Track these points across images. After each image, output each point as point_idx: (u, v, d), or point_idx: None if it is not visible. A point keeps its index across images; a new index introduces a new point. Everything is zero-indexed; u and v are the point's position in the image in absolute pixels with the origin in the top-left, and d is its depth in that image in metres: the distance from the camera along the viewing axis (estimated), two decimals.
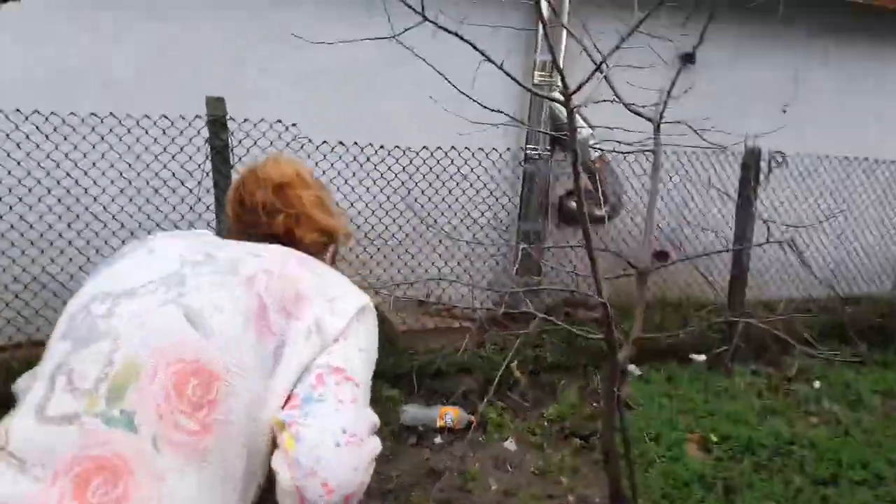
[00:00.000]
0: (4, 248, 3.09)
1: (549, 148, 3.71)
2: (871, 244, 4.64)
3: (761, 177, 3.54)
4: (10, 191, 3.03)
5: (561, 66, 2.20)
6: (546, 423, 3.17)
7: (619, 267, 3.59)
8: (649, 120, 2.49)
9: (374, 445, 0.88)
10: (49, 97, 2.98)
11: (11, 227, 3.08)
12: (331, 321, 0.92)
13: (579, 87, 2.12)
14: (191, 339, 0.83)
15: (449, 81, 2.25)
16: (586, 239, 2.34)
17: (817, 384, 3.68)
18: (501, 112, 2.45)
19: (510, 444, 3.01)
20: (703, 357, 3.71)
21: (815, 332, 3.53)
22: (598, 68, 2.19)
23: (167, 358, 0.81)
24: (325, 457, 0.78)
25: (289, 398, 0.85)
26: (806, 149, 3.85)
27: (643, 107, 2.48)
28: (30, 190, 3.04)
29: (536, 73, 3.62)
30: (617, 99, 2.44)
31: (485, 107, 2.35)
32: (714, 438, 3.04)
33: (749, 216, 3.56)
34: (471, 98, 2.31)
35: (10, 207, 3.04)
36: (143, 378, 0.80)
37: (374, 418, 0.92)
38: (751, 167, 3.49)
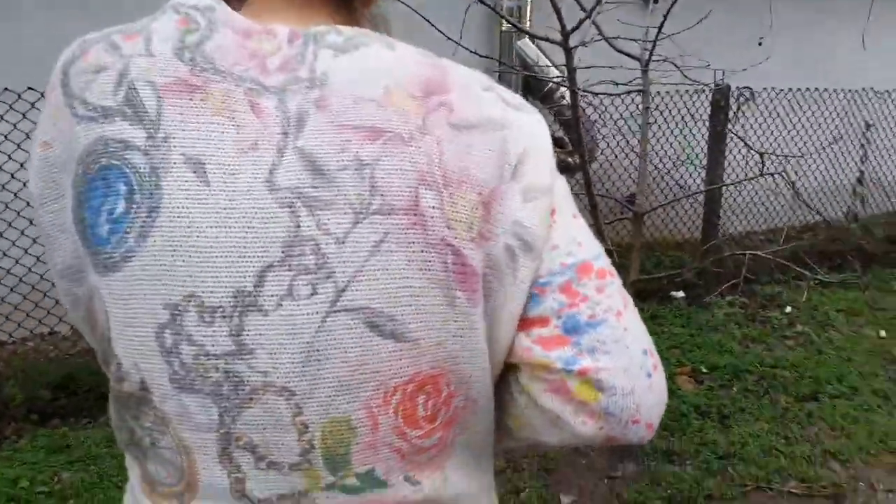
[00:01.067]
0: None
1: (521, 93, 3.66)
2: (825, 174, 4.83)
3: (730, 113, 3.60)
4: None
5: (530, 8, 2.18)
6: None
7: (612, 214, 3.63)
8: (637, 59, 2.48)
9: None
10: None
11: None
12: (531, 214, 0.57)
13: (578, 26, 2.09)
14: (396, 355, 0.57)
15: (433, 24, 2.17)
16: (587, 185, 2.34)
17: (788, 309, 3.85)
18: (489, 58, 2.40)
19: None
20: (682, 294, 3.82)
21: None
22: (592, 10, 2.16)
23: (379, 394, 0.57)
24: (645, 401, 0.60)
25: (528, 322, 0.60)
26: (773, 83, 3.93)
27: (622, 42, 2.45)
28: None
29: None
30: (603, 39, 2.42)
31: (474, 52, 2.29)
32: (703, 369, 3.16)
33: (719, 153, 3.63)
34: (461, 45, 2.25)
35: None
36: (361, 433, 0.58)
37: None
38: (720, 105, 3.55)
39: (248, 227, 0.53)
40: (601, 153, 3.86)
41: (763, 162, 2.23)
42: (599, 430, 0.60)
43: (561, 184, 0.61)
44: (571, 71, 2.13)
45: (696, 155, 3.25)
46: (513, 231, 0.57)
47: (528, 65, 3.79)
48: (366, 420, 0.57)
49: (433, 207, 0.55)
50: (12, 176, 2.80)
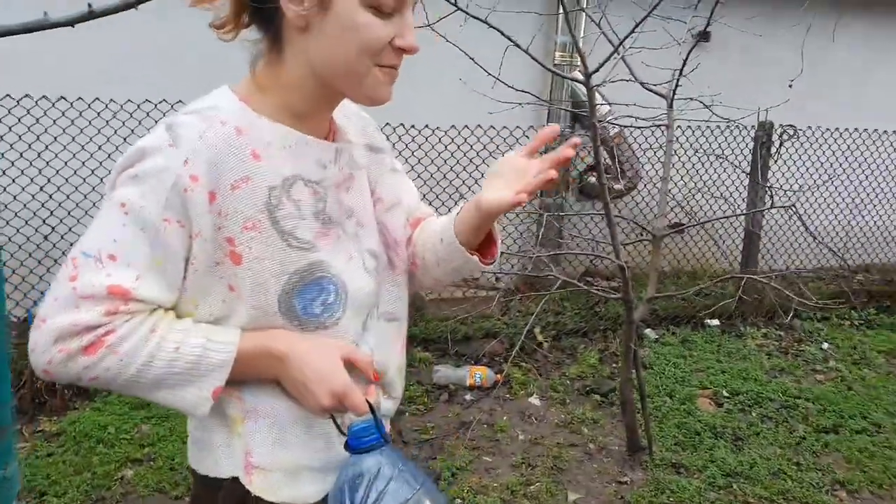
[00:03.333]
0: None
1: (569, 125, 3.92)
2: (883, 215, 4.80)
3: (772, 149, 3.73)
4: None
5: (581, 47, 2.43)
6: (567, 382, 3.41)
7: (637, 237, 3.82)
8: (663, 97, 2.70)
9: (56, 324, 0.80)
10: None
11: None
12: None
13: (598, 68, 2.35)
14: None
15: (480, 66, 2.48)
16: (605, 207, 2.57)
17: (825, 346, 3.89)
18: (527, 92, 2.68)
19: (534, 400, 3.26)
20: (716, 322, 3.93)
21: (824, 296, 3.73)
22: (616, 50, 2.41)
23: None
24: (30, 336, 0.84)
25: None
26: (818, 122, 4.01)
27: (658, 85, 2.69)
28: None
29: (557, 53, 3.82)
30: (633, 78, 2.66)
31: (510, 86, 2.57)
32: (725, 393, 3.27)
33: (760, 187, 3.75)
34: (499, 80, 2.54)
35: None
36: None
37: (67, 294, 0.80)
38: (762, 140, 3.68)
39: None
40: (648, 182, 4.05)
41: (772, 196, 2.40)
42: None
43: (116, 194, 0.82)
44: (592, 108, 2.38)
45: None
46: None
47: (579, 98, 4.05)
48: None
49: None
50: None
